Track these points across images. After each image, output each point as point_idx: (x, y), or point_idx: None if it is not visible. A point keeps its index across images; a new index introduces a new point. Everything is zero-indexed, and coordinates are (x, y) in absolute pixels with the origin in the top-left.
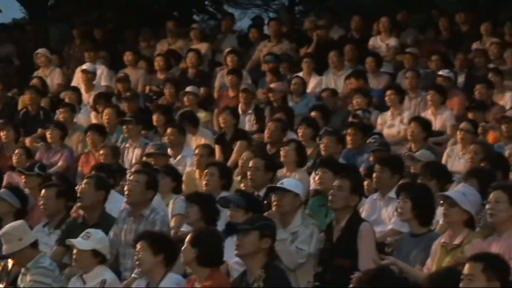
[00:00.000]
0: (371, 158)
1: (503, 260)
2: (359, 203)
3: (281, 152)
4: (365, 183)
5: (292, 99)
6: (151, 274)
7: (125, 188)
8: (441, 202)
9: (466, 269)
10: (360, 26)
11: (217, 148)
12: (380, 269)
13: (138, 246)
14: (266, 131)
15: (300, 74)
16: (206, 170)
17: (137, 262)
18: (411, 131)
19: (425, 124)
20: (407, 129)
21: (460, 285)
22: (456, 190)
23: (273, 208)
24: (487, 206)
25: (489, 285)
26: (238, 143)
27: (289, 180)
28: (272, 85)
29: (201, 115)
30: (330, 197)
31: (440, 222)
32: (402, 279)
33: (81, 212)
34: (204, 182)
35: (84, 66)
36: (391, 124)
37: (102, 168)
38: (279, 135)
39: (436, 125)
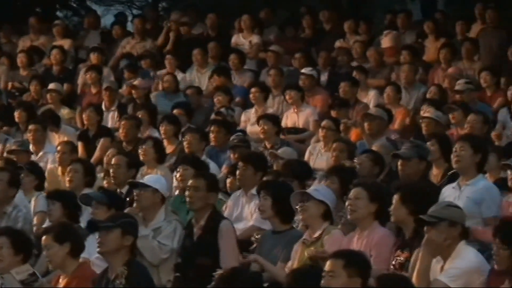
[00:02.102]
0: (231, 155)
1: (364, 257)
2: (216, 200)
3: (139, 151)
4: (229, 180)
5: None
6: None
7: None
8: (297, 203)
9: (327, 266)
10: (216, 24)
11: (80, 145)
12: (238, 267)
13: None
14: (120, 130)
15: (164, 71)
16: (70, 167)
17: None
18: (262, 129)
19: (274, 120)
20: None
21: (322, 282)
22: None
23: (135, 204)
24: (347, 203)
25: (350, 281)
26: (102, 140)
27: (150, 176)
28: (135, 82)
29: (64, 111)
30: (187, 199)
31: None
32: (257, 274)
33: None
34: (67, 179)
35: None
36: (255, 122)
37: None
38: (134, 133)
39: (299, 122)
